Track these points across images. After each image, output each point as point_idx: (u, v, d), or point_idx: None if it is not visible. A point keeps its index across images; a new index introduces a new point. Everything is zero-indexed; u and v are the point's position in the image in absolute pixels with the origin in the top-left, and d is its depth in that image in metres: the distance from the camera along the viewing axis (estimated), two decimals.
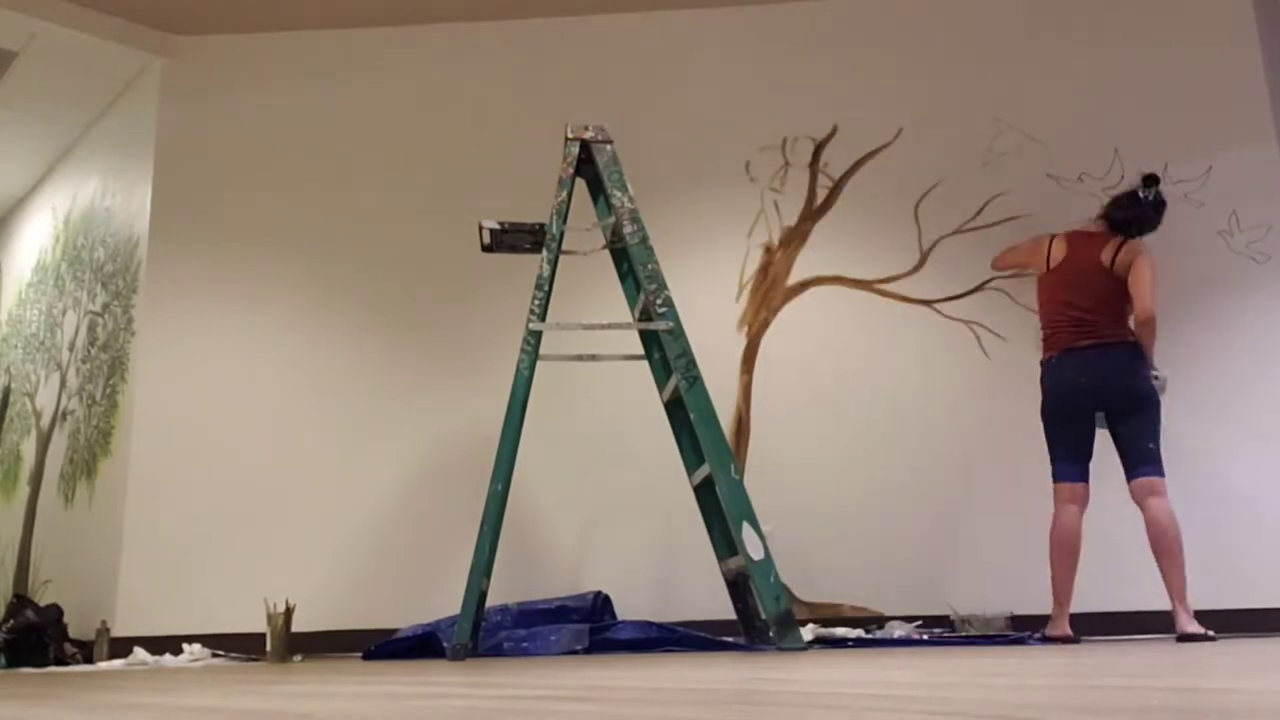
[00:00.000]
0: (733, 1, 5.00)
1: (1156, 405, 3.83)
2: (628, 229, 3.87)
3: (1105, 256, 3.93)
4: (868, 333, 4.70)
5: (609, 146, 3.98)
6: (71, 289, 5.74)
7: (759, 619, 3.68)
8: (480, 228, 4.04)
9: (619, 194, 3.90)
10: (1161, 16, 4.85)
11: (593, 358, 3.97)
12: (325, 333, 4.84)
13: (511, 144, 4.97)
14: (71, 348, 5.60)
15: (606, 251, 4.06)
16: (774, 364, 4.68)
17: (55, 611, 4.55)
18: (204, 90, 5.08)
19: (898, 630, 3.95)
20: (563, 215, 3.89)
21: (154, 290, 4.88)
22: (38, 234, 6.43)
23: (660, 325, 3.72)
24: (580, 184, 4.07)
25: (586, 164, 4.01)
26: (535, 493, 4.57)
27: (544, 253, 3.86)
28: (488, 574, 3.66)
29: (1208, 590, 4.22)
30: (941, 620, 4.06)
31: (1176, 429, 4.48)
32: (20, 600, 4.75)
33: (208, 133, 5.04)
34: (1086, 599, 4.29)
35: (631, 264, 3.89)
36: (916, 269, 4.73)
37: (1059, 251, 4.03)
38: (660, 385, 3.96)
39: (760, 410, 4.63)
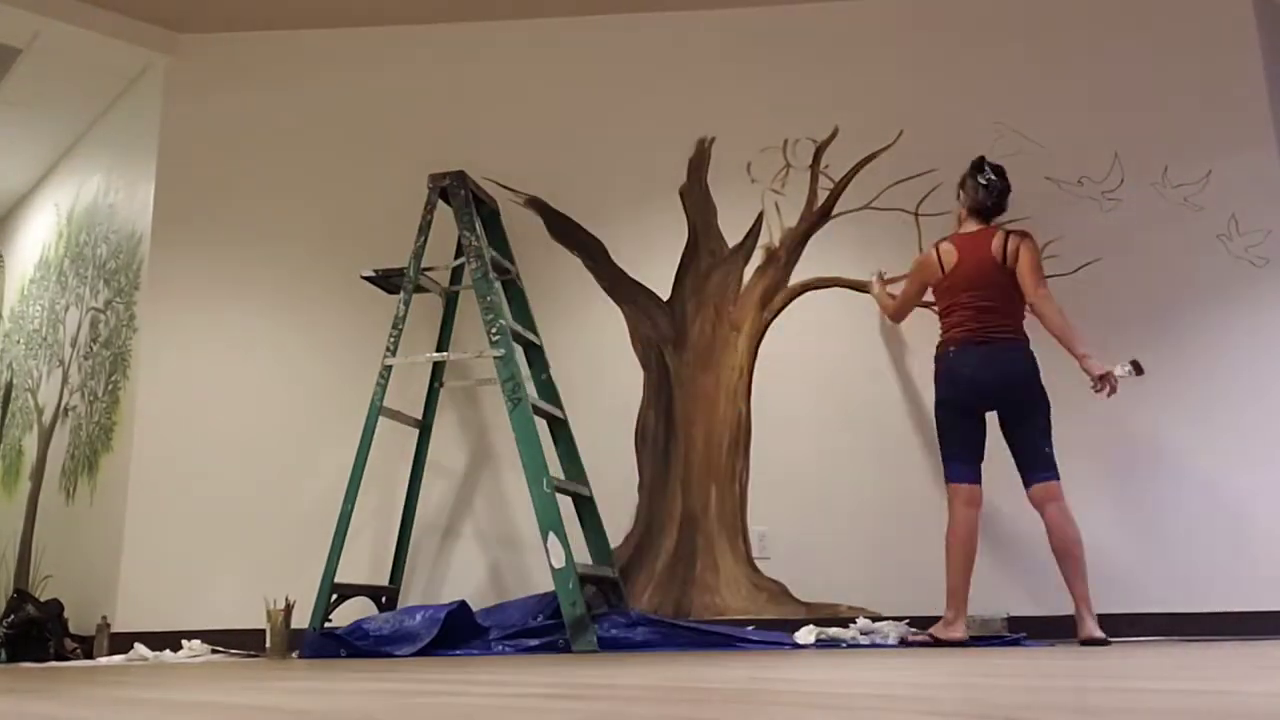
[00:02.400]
0: (734, 3, 5.01)
1: (1049, 408, 3.84)
2: (472, 265, 4.24)
3: (995, 251, 3.94)
4: (867, 335, 4.70)
5: (462, 190, 4.35)
6: (74, 285, 5.76)
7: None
8: (367, 279, 4.46)
9: (468, 234, 4.28)
10: (1161, 20, 4.85)
11: (491, 381, 4.41)
12: (328, 330, 4.84)
13: (519, 140, 4.98)
14: (74, 344, 5.61)
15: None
16: (774, 365, 4.69)
17: (56, 607, 4.56)
18: (207, 88, 5.09)
19: (893, 634, 3.94)
20: (419, 257, 4.28)
21: (156, 287, 4.89)
22: (41, 230, 6.44)
23: (492, 353, 4.08)
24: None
25: (446, 207, 4.41)
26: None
27: (400, 294, 4.26)
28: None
29: (1202, 594, 4.24)
30: (938, 621, 4.06)
31: (1172, 434, 4.49)
32: (21, 595, 4.76)
33: (211, 130, 5.04)
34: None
35: (475, 296, 4.24)
36: None
37: (949, 257, 4.01)
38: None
39: (760, 411, 4.64)
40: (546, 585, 3.97)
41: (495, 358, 4.06)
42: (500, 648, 3.80)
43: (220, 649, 4.26)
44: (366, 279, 4.42)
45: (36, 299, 6.29)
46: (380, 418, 4.19)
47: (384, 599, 4.33)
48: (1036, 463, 3.80)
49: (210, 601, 4.49)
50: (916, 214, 4.77)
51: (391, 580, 4.39)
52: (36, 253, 6.45)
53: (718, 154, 4.90)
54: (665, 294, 4.80)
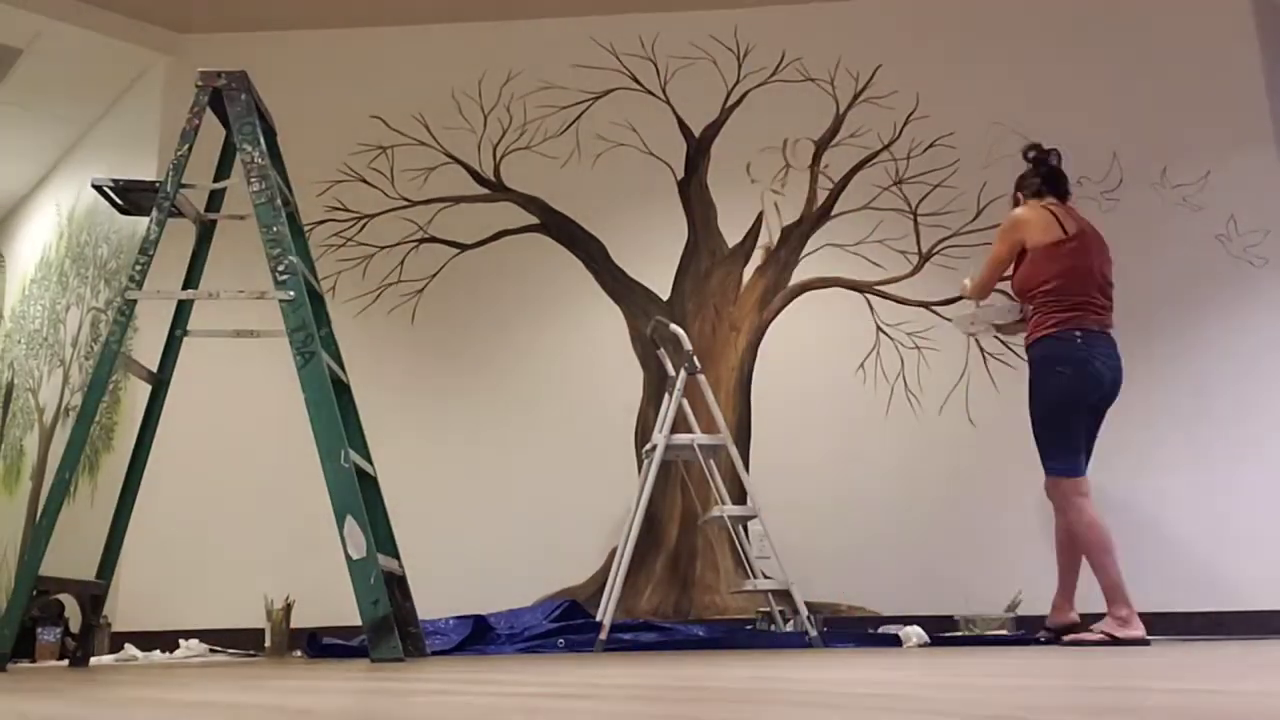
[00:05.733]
0: (733, 4, 5.01)
1: None
2: (255, 187, 3.40)
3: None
4: (866, 334, 4.70)
5: (244, 95, 3.51)
6: (75, 285, 5.76)
7: (413, 625, 3.46)
8: (98, 188, 3.60)
9: (249, 148, 3.46)
10: (1161, 21, 4.85)
11: (252, 333, 3.81)
12: (339, 291, 4.85)
13: (520, 140, 4.98)
14: (74, 344, 5.61)
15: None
16: (774, 365, 4.68)
17: (56, 606, 4.55)
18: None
19: (914, 638, 3.78)
20: (180, 170, 3.41)
21: (157, 286, 4.88)
22: (42, 230, 6.45)
23: (280, 295, 3.27)
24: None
25: (220, 115, 3.60)
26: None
27: (154, 213, 3.40)
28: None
29: (1200, 594, 4.22)
30: (945, 620, 4.05)
31: (1170, 434, 4.46)
32: None
33: (212, 131, 5.03)
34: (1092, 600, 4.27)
35: (258, 226, 3.39)
36: (915, 271, 4.73)
37: (1068, 220, 3.64)
38: None
39: (760, 411, 4.63)
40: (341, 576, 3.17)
41: (283, 301, 3.26)
42: (510, 649, 3.80)
43: (218, 648, 4.26)
44: (97, 188, 3.59)
45: (37, 299, 6.29)
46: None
47: (88, 603, 3.60)
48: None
49: (211, 601, 4.49)
50: (915, 214, 4.76)
51: (100, 574, 3.62)
52: (38, 253, 6.45)
53: (717, 154, 4.90)
54: (665, 294, 4.80)
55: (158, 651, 4.18)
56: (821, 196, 4.86)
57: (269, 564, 4.44)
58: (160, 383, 3.73)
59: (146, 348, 4.84)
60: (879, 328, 4.70)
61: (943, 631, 3.98)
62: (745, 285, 4.80)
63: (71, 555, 5.12)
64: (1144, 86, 4.78)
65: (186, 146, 3.46)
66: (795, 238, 4.84)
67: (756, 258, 4.83)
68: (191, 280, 3.77)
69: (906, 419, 4.59)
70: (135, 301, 3.36)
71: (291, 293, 3.27)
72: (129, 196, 3.65)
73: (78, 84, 5.43)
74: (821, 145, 4.90)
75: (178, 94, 5.10)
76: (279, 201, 3.43)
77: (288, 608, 4.11)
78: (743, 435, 4.61)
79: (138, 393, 4.78)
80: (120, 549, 3.66)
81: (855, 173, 4.86)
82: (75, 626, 4.58)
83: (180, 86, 5.12)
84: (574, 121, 5.01)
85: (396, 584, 3.52)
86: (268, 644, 4.09)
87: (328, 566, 4.07)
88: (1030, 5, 4.95)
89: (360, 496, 3.14)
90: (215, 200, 3.82)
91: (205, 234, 3.84)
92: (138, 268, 3.37)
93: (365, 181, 5.00)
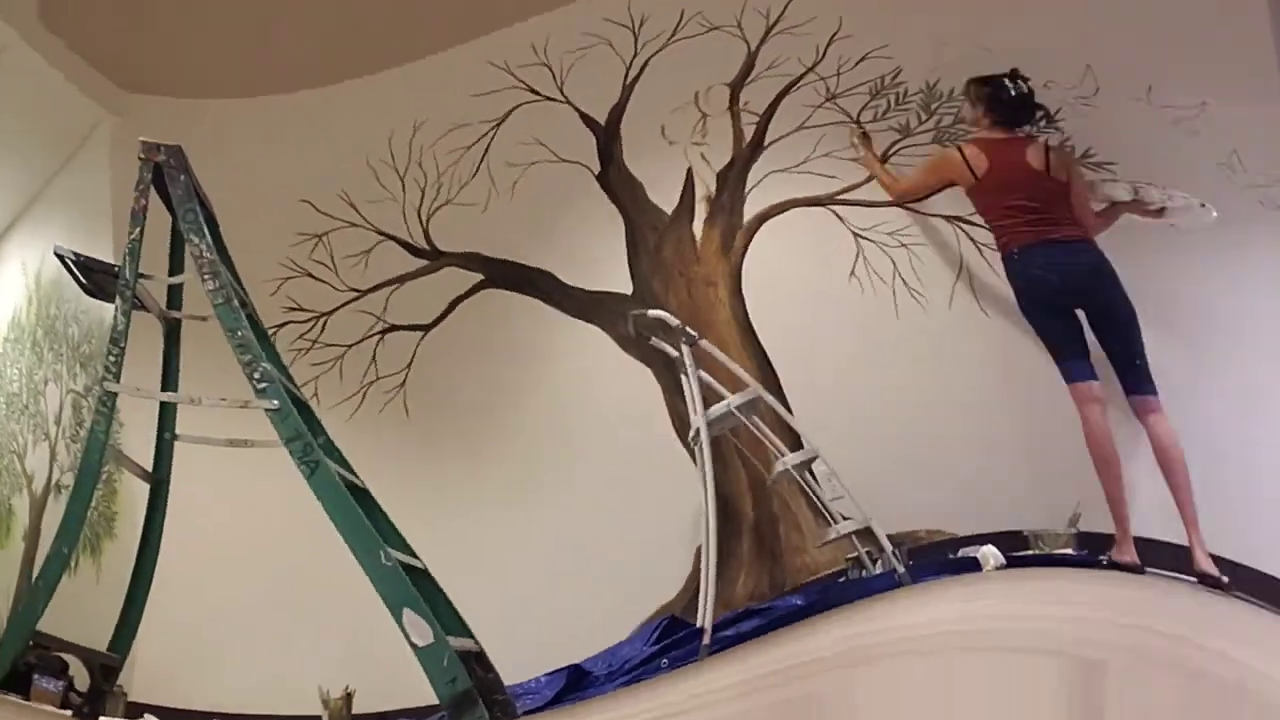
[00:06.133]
0: None
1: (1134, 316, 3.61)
2: (209, 285, 3.12)
3: (1035, 161, 3.81)
4: (844, 244, 4.52)
5: (182, 177, 3.27)
6: (50, 360, 5.65)
7: (499, 693, 3.28)
8: (61, 259, 3.55)
9: (195, 239, 3.20)
10: None
11: (246, 443, 3.43)
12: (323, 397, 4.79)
13: (440, 197, 4.95)
14: (58, 422, 5.53)
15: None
16: (765, 300, 4.59)
17: (58, 662, 4.42)
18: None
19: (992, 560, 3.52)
20: (135, 257, 3.25)
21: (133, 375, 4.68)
22: (10, 289, 6.23)
23: (264, 404, 3.05)
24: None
25: (163, 195, 3.38)
26: None
27: (117, 301, 3.26)
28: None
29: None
30: (1013, 536, 3.79)
31: (1168, 370, 3.82)
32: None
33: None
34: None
35: (222, 330, 3.15)
36: (873, 177, 4.47)
37: (980, 162, 3.87)
38: None
39: (775, 352, 4.53)
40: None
41: (269, 411, 3.04)
42: (610, 686, 3.41)
43: None
44: (60, 258, 3.51)
45: (14, 361, 6.13)
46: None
47: (97, 670, 3.52)
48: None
49: (235, 682, 4.49)
50: (859, 122, 4.56)
51: (114, 647, 3.59)
52: (8, 310, 6.23)
53: (627, 131, 4.83)
54: (628, 288, 4.75)
55: None
56: (750, 133, 4.75)
57: (315, 653, 4.36)
58: (158, 482, 3.61)
59: (137, 444, 4.34)
60: (855, 235, 4.51)
61: (1012, 550, 3.64)
62: (701, 240, 4.73)
63: (73, 625, 5.00)
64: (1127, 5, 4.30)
65: (138, 230, 3.28)
66: (733, 179, 4.73)
67: (700, 211, 4.75)
68: (168, 380, 3.62)
69: (917, 316, 4.36)
70: (115, 394, 3.24)
71: (275, 401, 3.07)
72: (93, 277, 3.60)
73: (34, 126, 5.21)
74: (736, 87, 4.76)
75: (124, 156, 4.90)
76: (236, 302, 3.21)
77: (347, 697, 3.86)
78: (770, 381, 4.39)
79: (134, 487, 4.54)
80: (137, 628, 3.59)
81: (780, 100, 4.73)
82: (80, 684, 4.49)
83: (126, 148, 4.93)
84: (483, 158, 4.93)
85: (475, 659, 3.34)
86: None
87: (382, 653, 3.85)
88: None
89: (413, 589, 3.04)
90: (175, 295, 3.64)
91: (172, 332, 3.67)
92: (111, 359, 3.25)
93: (312, 276, 4.93)
